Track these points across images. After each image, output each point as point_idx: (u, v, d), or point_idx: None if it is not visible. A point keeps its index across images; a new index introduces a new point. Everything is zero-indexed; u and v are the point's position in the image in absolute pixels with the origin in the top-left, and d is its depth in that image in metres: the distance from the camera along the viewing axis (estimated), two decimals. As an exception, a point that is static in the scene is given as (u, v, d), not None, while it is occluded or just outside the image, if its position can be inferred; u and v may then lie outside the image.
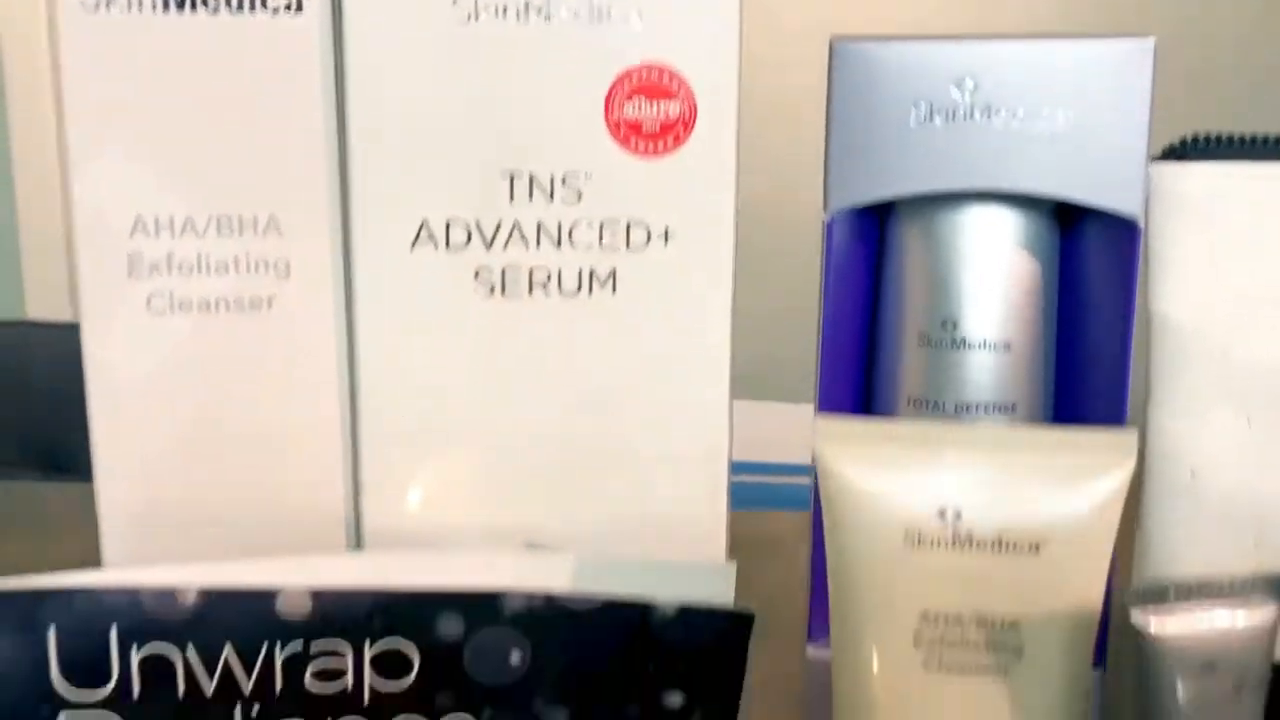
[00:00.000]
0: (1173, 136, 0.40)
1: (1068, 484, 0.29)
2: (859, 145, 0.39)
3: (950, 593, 0.29)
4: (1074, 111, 0.38)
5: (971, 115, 0.39)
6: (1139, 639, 0.27)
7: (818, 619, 0.42)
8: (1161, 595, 0.28)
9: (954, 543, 0.29)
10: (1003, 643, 0.29)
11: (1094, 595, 0.29)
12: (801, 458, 0.40)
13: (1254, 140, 0.39)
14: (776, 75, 0.92)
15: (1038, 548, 0.29)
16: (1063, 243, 0.42)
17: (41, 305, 2.10)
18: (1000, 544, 0.29)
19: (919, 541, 0.29)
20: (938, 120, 0.39)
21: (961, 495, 0.29)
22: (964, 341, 0.41)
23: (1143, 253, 0.39)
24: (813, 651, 0.42)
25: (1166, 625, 0.27)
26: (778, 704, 0.44)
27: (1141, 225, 0.38)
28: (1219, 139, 0.39)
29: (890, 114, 0.39)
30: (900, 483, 0.29)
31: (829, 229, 0.40)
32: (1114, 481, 0.29)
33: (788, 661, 0.44)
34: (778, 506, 0.60)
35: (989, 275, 0.41)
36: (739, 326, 0.37)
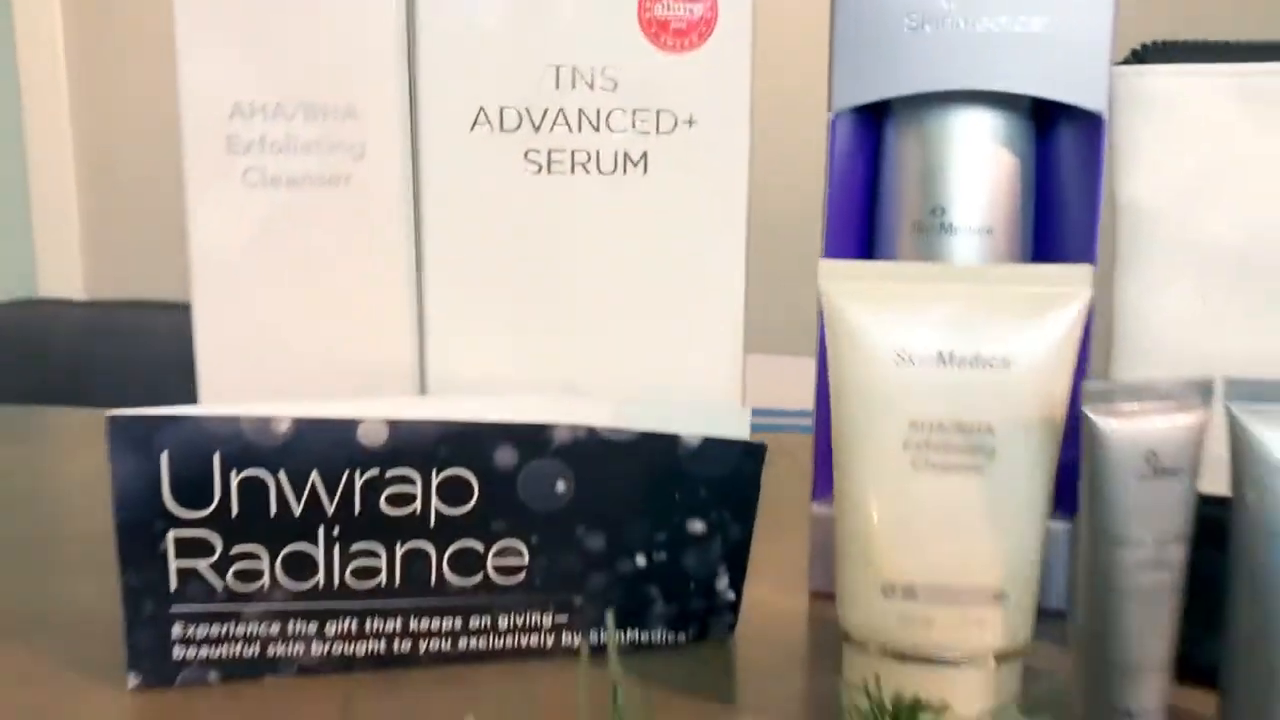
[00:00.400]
0: (1135, 42, 0.45)
1: (1035, 310, 0.35)
2: (858, 52, 0.44)
3: (934, 404, 0.34)
4: (1047, 18, 0.43)
5: (957, 23, 0.44)
6: (1091, 432, 0.33)
7: (822, 479, 0.47)
8: (1110, 395, 0.33)
9: (938, 362, 0.34)
10: (979, 445, 0.34)
11: (1058, 404, 0.34)
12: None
13: (1204, 45, 0.44)
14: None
15: (1009, 364, 0.34)
16: (1038, 138, 0.47)
17: (54, 284, 2.15)
18: (978, 361, 0.34)
19: (908, 361, 0.34)
20: (927, 28, 0.44)
21: (944, 321, 0.35)
22: (951, 227, 0.46)
23: (1108, 146, 0.44)
24: (816, 508, 0.48)
25: (1113, 420, 0.33)
26: (788, 549, 0.50)
27: (1107, 120, 0.44)
28: (1174, 45, 0.44)
29: (886, 23, 0.44)
30: (891, 312, 0.35)
31: (833, 127, 0.46)
32: (1073, 309, 0.35)
33: (797, 519, 0.50)
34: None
35: (973, 168, 0.46)
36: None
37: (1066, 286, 0.35)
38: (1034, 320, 0.34)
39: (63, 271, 2.55)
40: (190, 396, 0.42)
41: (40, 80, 2.19)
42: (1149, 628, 0.34)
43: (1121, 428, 0.33)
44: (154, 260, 3.14)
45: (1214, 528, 0.34)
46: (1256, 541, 0.32)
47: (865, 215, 0.48)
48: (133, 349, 1.67)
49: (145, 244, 3.18)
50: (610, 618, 0.42)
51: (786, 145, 0.80)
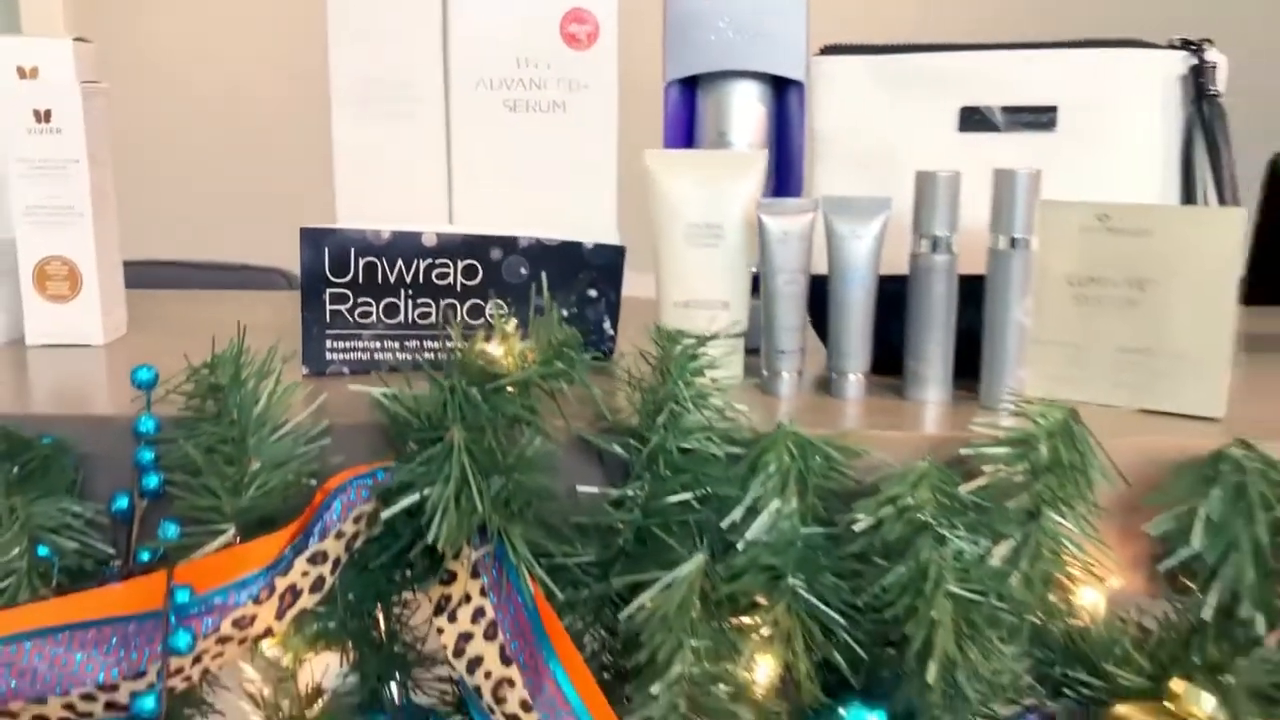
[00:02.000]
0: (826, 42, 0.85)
1: (743, 173, 0.75)
2: (679, 48, 0.85)
3: (694, 212, 0.74)
4: (777, 27, 0.84)
5: (731, 32, 0.84)
6: (762, 225, 0.73)
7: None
8: (772, 207, 0.73)
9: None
10: (714, 234, 0.75)
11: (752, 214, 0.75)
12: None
13: (859, 46, 0.84)
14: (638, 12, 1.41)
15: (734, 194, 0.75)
16: (775, 96, 0.87)
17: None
18: (720, 195, 0.74)
19: (686, 200, 0.75)
20: (712, 36, 0.84)
21: (696, 181, 0.75)
22: (730, 143, 0.86)
23: (807, 100, 0.85)
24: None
25: (769, 218, 0.73)
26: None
27: (806, 86, 0.84)
28: (843, 46, 0.84)
29: (695, 30, 0.84)
30: (680, 176, 0.75)
31: (666, 92, 0.86)
32: (758, 172, 0.75)
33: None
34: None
35: (741, 110, 0.86)
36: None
37: (756, 163, 0.76)
38: (748, 173, 0.75)
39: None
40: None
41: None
42: (789, 310, 0.74)
43: (772, 220, 0.73)
44: (169, 224, 3.50)
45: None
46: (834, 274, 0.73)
47: (687, 139, 0.88)
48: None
49: (158, 211, 3.57)
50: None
51: (642, 100, 1.22)
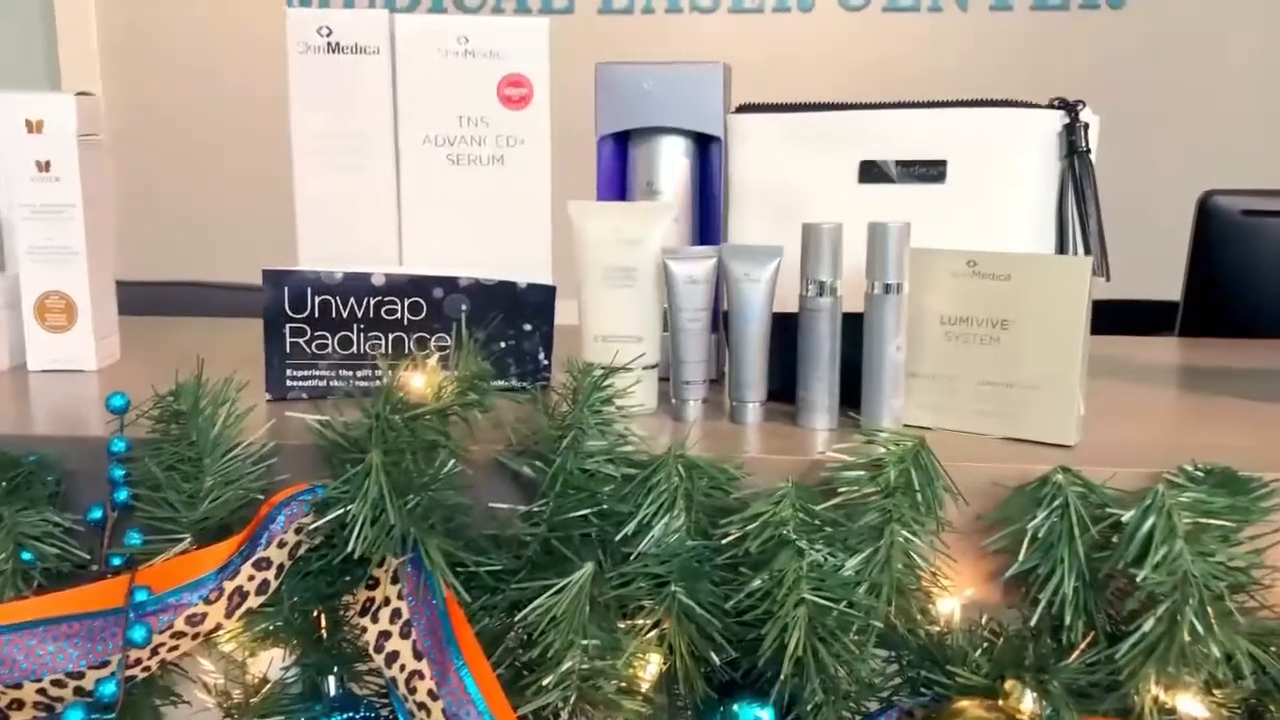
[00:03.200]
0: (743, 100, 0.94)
1: (657, 220, 0.84)
2: (610, 106, 0.94)
3: (614, 259, 0.83)
4: (697, 96, 0.92)
5: (654, 96, 0.93)
6: (667, 268, 0.82)
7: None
8: (676, 253, 0.82)
9: (615, 242, 0.83)
10: (631, 272, 0.83)
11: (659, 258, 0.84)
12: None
13: (773, 105, 0.92)
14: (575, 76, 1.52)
15: (643, 241, 0.83)
16: (700, 150, 0.96)
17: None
18: (634, 242, 0.83)
19: (601, 244, 0.83)
20: (645, 95, 0.93)
21: (617, 223, 0.84)
22: (658, 193, 0.95)
23: (723, 152, 0.93)
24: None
25: (674, 263, 0.82)
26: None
27: (725, 141, 0.93)
28: (756, 105, 0.93)
29: (623, 90, 0.93)
30: (598, 221, 0.84)
31: (599, 146, 0.95)
32: (669, 218, 0.84)
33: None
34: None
35: (667, 162, 0.95)
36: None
37: (664, 214, 0.84)
38: (658, 222, 0.84)
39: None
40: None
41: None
42: (693, 344, 0.83)
43: (677, 265, 0.82)
44: (177, 246, 3.64)
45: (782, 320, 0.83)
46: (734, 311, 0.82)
47: (620, 189, 0.97)
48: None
49: (169, 231, 3.71)
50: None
51: (574, 155, 1.31)
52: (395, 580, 0.73)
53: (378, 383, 0.87)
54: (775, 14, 3.29)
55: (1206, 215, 1.32)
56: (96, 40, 3.54)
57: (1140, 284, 1.56)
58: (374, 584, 0.74)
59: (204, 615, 0.72)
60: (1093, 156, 0.86)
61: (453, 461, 0.73)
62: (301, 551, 0.75)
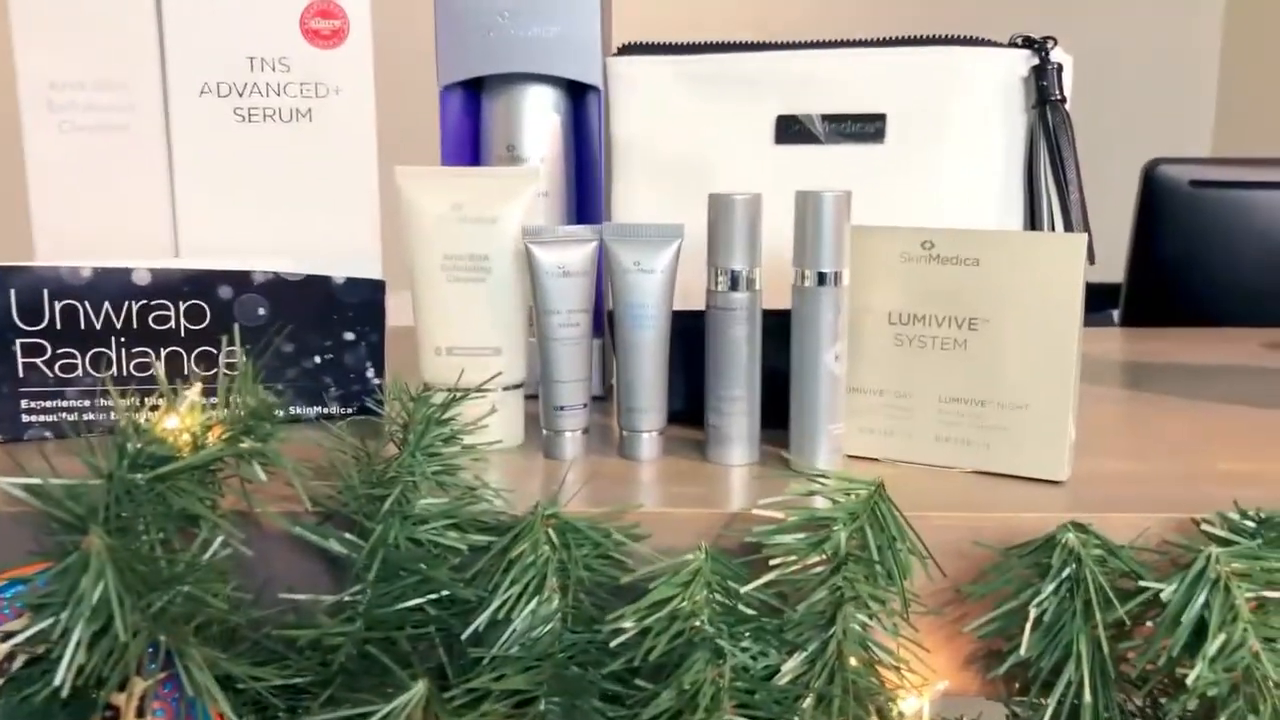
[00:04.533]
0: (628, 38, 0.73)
1: (517, 191, 0.63)
2: (453, 46, 0.72)
3: (455, 244, 0.62)
4: (569, 33, 0.72)
5: (513, 28, 0.72)
6: (530, 254, 0.61)
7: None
8: (539, 233, 0.61)
9: (455, 219, 0.62)
10: (479, 266, 0.62)
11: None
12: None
13: (658, 45, 0.72)
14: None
15: (496, 220, 0.62)
16: (574, 102, 0.75)
17: None
18: (480, 219, 0.62)
19: (444, 219, 0.62)
20: (492, 34, 0.72)
21: (458, 198, 0.62)
22: (520, 158, 0.74)
23: (604, 105, 0.73)
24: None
25: (538, 248, 0.61)
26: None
27: (603, 90, 0.72)
28: (640, 45, 0.73)
29: (479, 25, 0.72)
30: (437, 189, 0.63)
31: (441, 98, 0.73)
32: (532, 190, 0.63)
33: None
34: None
35: (531, 120, 0.74)
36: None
37: (528, 180, 0.63)
38: (519, 195, 0.63)
39: None
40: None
41: None
42: (568, 358, 0.62)
43: (543, 252, 0.61)
44: None
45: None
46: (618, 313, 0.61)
47: (471, 154, 0.76)
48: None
49: None
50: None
51: (411, 109, 1.08)
52: (142, 713, 0.50)
53: (119, 400, 0.65)
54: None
55: (1152, 187, 1.17)
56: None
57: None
58: (112, 716, 0.51)
59: None
60: (1068, 106, 0.68)
61: (220, 539, 0.51)
62: (15, 667, 0.53)
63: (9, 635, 0.52)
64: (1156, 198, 1.16)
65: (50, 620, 0.47)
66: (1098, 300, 1.35)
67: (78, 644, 0.46)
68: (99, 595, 0.46)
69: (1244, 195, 1.14)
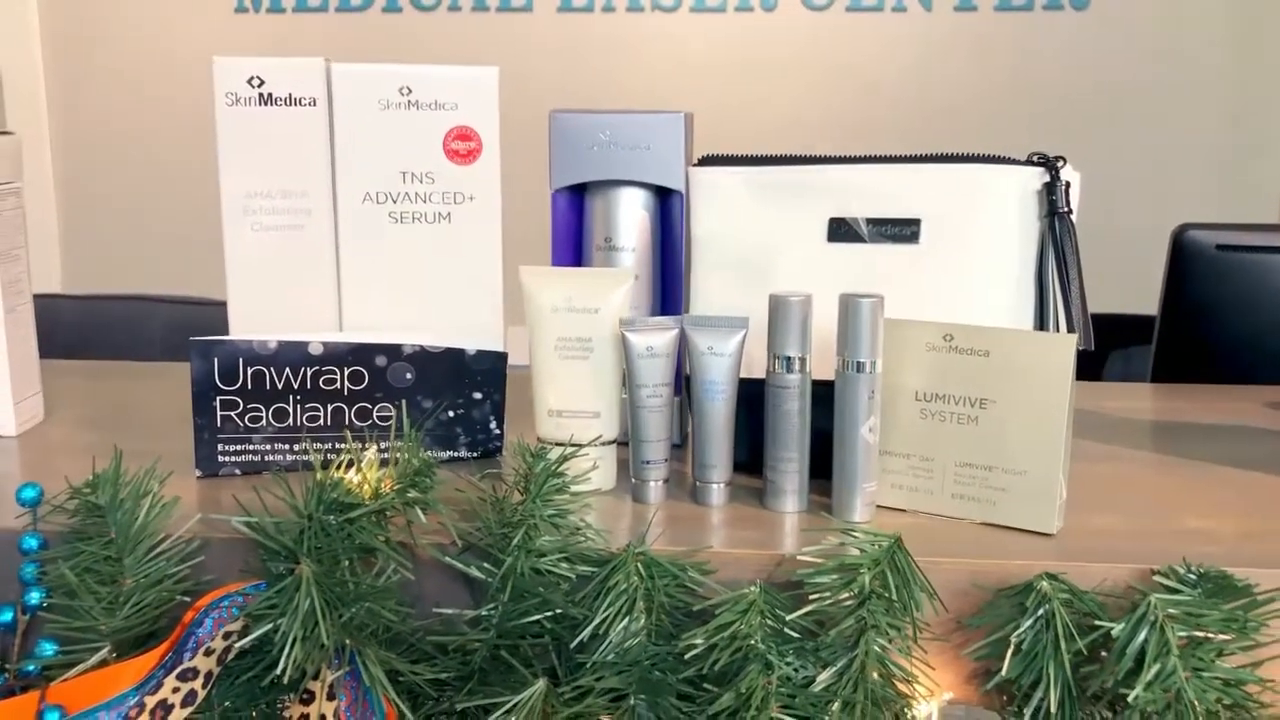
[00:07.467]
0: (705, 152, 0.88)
1: (615, 286, 0.78)
2: (564, 160, 0.88)
3: (566, 329, 0.78)
4: (657, 147, 0.87)
5: (611, 146, 0.88)
6: (625, 339, 0.76)
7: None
8: (633, 323, 0.77)
9: (566, 309, 0.78)
10: (587, 346, 0.78)
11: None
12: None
13: (734, 157, 0.87)
14: (525, 123, 1.46)
15: (598, 310, 0.78)
16: (660, 203, 0.91)
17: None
18: (585, 309, 0.78)
19: (554, 310, 0.78)
20: (595, 148, 0.88)
21: (568, 292, 0.78)
22: (616, 248, 0.90)
23: (684, 207, 0.88)
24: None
25: (631, 334, 0.76)
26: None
27: (685, 195, 0.87)
28: (718, 157, 0.87)
29: (585, 142, 0.87)
30: (552, 286, 0.78)
31: (553, 200, 0.89)
32: (627, 286, 0.78)
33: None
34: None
35: (625, 217, 0.90)
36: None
37: (623, 280, 0.79)
38: (616, 290, 0.78)
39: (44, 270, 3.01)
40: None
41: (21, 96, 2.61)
42: (653, 422, 0.77)
43: (635, 337, 0.77)
44: (124, 259, 3.56)
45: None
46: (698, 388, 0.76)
47: (575, 246, 0.91)
48: (120, 335, 1.95)
49: (117, 244, 3.63)
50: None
51: (529, 209, 1.25)
52: (332, 696, 0.67)
53: (316, 455, 0.81)
54: (738, 13, 3.23)
55: (1180, 250, 1.29)
56: (40, 50, 3.42)
57: (1114, 299, 1.52)
58: (309, 699, 0.68)
59: (124, 735, 0.66)
60: (1074, 217, 0.82)
61: (392, 567, 0.67)
62: (231, 658, 0.70)
63: (229, 634, 0.69)
64: (1185, 260, 1.28)
65: (269, 625, 0.64)
66: (1129, 333, 1.46)
67: (293, 644, 0.62)
68: (307, 608, 0.63)
69: (1265, 259, 1.25)
